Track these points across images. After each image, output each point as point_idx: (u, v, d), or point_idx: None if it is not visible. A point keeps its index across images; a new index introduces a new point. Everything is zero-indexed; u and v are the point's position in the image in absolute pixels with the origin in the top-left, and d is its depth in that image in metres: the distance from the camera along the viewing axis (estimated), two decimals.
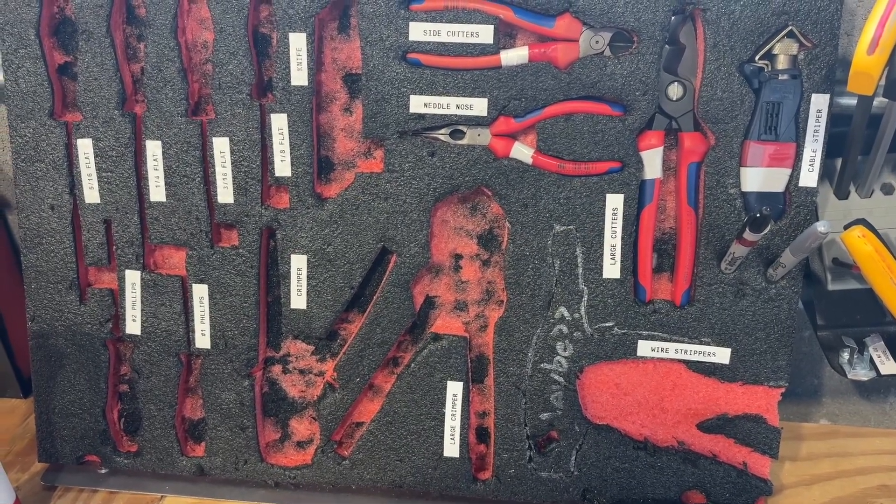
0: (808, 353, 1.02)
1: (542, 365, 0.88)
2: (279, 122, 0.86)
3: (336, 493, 0.94)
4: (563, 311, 0.87)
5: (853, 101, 0.79)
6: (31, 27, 0.86)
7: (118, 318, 0.93)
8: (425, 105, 0.83)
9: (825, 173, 0.83)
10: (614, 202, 0.83)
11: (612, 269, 0.85)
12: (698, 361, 0.86)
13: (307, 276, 0.89)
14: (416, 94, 0.83)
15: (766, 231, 0.74)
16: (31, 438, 1.01)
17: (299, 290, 0.89)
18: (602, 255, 0.85)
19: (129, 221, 0.90)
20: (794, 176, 0.81)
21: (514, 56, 0.81)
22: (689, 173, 0.82)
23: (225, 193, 0.88)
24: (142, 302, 0.92)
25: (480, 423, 0.92)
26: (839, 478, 0.95)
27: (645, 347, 0.86)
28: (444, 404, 0.90)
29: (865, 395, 1.04)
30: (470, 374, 0.90)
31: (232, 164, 0.87)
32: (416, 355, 0.90)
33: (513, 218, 0.85)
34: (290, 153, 0.86)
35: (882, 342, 0.88)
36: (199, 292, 0.91)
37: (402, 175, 0.85)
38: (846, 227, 0.76)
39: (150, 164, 0.88)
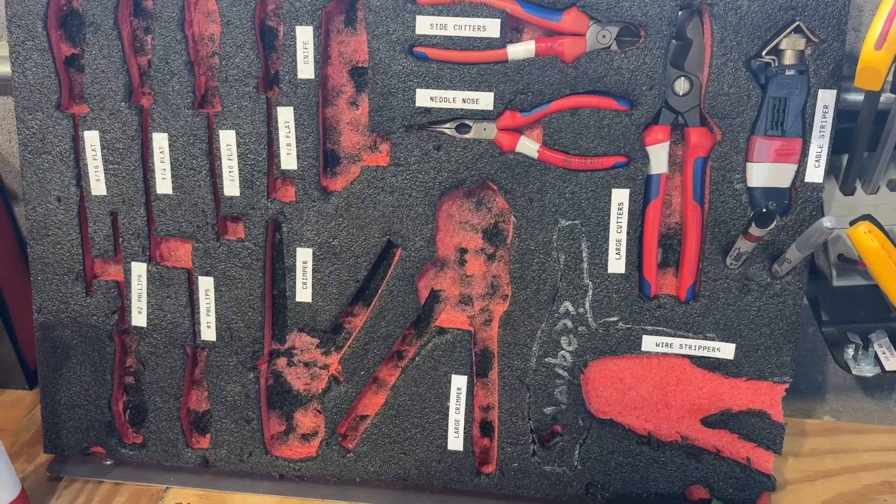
0: (813, 349, 1.02)
1: (546, 359, 0.88)
2: (285, 116, 0.86)
3: (340, 486, 0.94)
4: (567, 305, 0.87)
5: (860, 97, 0.79)
6: (39, 19, 0.86)
7: (124, 310, 0.93)
8: (431, 99, 0.83)
9: (831, 169, 0.83)
10: (620, 197, 0.83)
11: (617, 263, 0.85)
12: (703, 357, 0.86)
13: (312, 270, 0.89)
14: (422, 87, 0.83)
15: (771, 226, 0.74)
16: (37, 430, 1.02)
17: (305, 284, 0.90)
18: (607, 249, 0.85)
19: (135, 214, 0.91)
20: (800, 171, 0.81)
21: (521, 50, 0.81)
22: (695, 168, 0.82)
23: (231, 186, 0.88)
24: (148, 294, 0.92)
25: (484, 416, 0.92)
26: (842, 474, 0.95)
27: (649, 342, 0.86)
28: (448, 398, 0.90)
29: (869, 391, 1.04)
30: (474, 367, 0.90)
31: (238, 156, 0.87)
32: (421, 349, 0.90)
33: (518, 212, 0.85)
34: (297, 146, 0.86)
35: (887, 338, 0.89)
36: (205, 285, 0.91)
37: (407, 169, 0.85)
38: (852, 223, 0.76)
39: (156, 156, 0.89)
